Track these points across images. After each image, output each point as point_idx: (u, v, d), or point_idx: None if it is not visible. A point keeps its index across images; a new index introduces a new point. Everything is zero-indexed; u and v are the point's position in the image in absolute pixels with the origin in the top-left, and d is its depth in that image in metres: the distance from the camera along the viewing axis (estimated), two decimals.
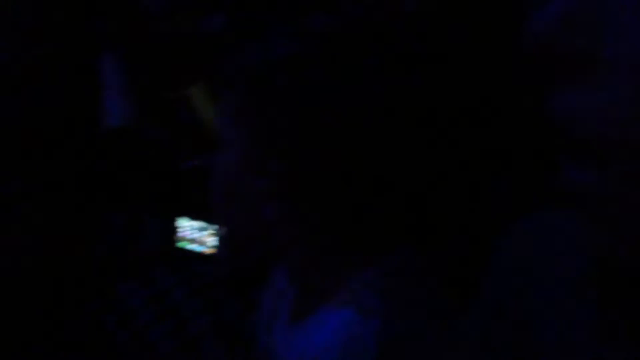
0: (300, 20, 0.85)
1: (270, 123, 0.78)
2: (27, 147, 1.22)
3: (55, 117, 1.24)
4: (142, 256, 1.29)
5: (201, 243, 1.24)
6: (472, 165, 0.87)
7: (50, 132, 1.20)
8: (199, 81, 1.39)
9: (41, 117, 1.26)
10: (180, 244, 1.25)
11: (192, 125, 1.62)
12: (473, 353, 0.77)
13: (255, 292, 1.13)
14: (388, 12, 1.05)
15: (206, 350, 1.15)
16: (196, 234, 1.25)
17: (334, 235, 0.82)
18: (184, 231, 1.26)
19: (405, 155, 0.75)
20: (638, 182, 0.33)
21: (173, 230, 1.36)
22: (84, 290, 1.23)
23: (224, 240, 0.97)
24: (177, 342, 1.17)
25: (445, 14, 1.00)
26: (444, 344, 0.75)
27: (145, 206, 1.39)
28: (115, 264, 1.27)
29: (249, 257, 1.10)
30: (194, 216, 1.26)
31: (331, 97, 0.76)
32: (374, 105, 0.74)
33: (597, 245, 0.70)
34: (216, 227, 1.11)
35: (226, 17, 1.33)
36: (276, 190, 0.79)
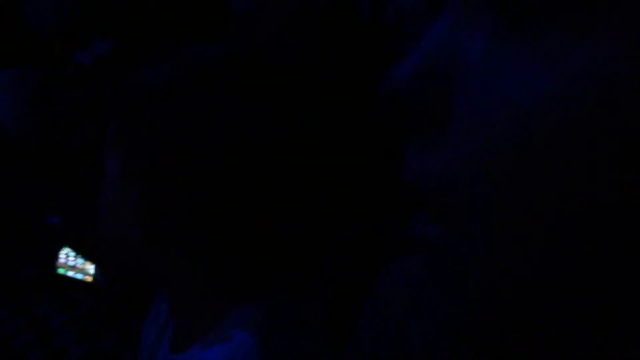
0: (188, 47, 0.84)
1: (141, 150, 0.76)
2: None
3: None
4: (19, 282, 1.25)
5: (81, 270, 1.21)
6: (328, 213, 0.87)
7: None
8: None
9: None
10: (60, 271, 1.22)
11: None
12: None
13: (135, 323, 1.11)
14: (279, 44, 1.08)
15: None
16: (76, 261, 1.22)
17: (209, 270, 0.80)
18: (64, 258, 1.23)
19: (267, 192, 0.74)
20: (473, 239, 0.34)
21: (53, 256, 1.33)
22: None
23: (100, 268, 0.95)
24: None
25: (324, 58, 1.02)
26: None
27: (23, 231, 1.36)
28: None
29: (122, 287, 1.08)
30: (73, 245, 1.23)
31: (201, 127, 0.74)
32: (240, 137, 0.74)
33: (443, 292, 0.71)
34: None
35: (114, 43, 1.32)
36: (145, 221, 0.77)
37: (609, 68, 0.29)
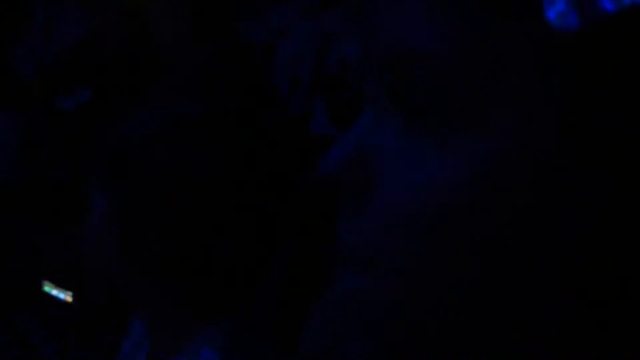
0: (163, 103, 1.01)
1: (121, 192, 0.95)
2: None
3: None
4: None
5: (64, 290, 1.36)
6: None
7: None
8: None
9: None
10: (45, 288, 1.36)
11: None
12: None
13: (109, 339, 1.27)
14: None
15: None
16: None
17: (177, 294, 0.97)
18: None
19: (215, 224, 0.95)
20: (388, 286, 0.44)
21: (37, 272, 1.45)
22: None
23: (76, 292, 1.11)
24: None
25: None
26: None
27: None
28: None
29: (98, 308, 1.24)
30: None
31: (172, 174, 0.94)
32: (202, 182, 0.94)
33: None
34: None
35: (92, 94, 1.47)
36: (122, 251, 0.95)
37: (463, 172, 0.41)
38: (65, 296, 1.34)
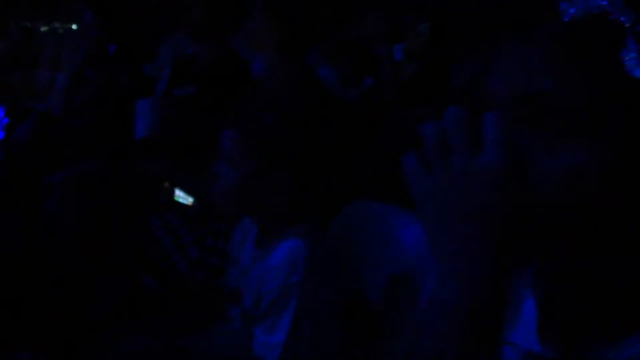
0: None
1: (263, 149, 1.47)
2: None
3: None
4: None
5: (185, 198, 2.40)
6: None
7: None
8: None
9: None
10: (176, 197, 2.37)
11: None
12: None
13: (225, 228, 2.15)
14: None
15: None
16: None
17: (289, 204, 1.50)
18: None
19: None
20: None
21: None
22: None
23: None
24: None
25: None
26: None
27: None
28: None
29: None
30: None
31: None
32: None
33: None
34: None
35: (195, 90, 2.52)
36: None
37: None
38: (188, 201, 2.37)
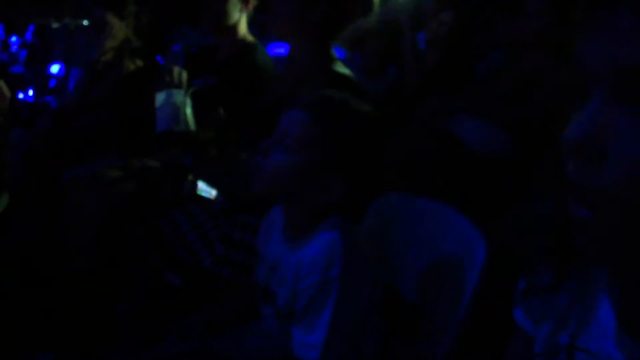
0: None
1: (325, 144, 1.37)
2: None
3: None
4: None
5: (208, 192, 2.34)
6: None
7: None
8: None
9: None
10: (199, 192, 2.31)
11: None
12: None
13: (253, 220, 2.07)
14: None
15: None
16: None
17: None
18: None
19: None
20: None
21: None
22: None
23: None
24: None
25: None
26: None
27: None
28: None
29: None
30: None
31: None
32: None
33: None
34: None
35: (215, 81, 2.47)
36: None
37: None
38: (211, 195, 2.31)
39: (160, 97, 2.30)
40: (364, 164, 1.41)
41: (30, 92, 5.01)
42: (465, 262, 1.50)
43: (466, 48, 3.51)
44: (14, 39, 7.82)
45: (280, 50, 3.72)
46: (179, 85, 2.30)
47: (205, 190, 2.31)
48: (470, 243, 1.49)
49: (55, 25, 7.09)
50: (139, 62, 3.21)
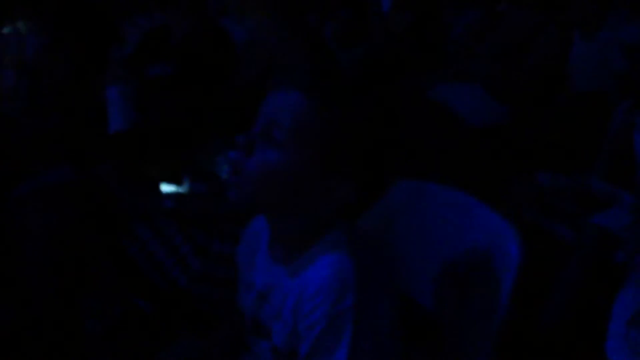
0: None
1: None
2: None
3: None
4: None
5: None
6: None
7: None
8: None
9: None
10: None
11: None
12: None
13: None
14: None
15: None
16: None
17: None
18: None
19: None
20: None
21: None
22: None
23: None
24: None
25: None
26: None
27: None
28: None
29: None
30: None
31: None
32: None
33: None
34: None
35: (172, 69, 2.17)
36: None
37: None
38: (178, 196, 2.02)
39: (111, 93, 2.01)
40: (374, 156, 1.11)
41: None
42: (495, 260, 1.25)
43: (437, 7, 3.34)
44: None
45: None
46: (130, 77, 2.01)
47: (171, 194, 2.03)
48: (501, 238, 1.24)
49: (6, 30, 6.66)
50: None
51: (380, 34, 3.13)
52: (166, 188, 1.99)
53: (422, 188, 1.46)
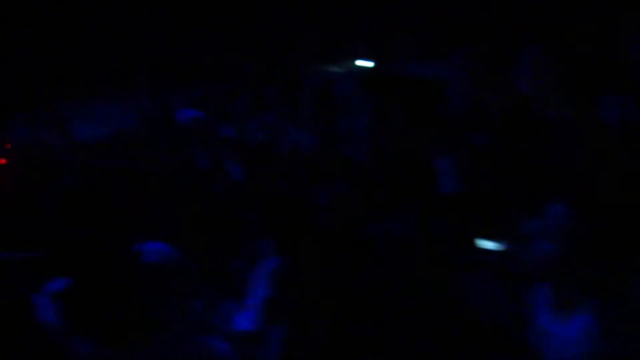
0: None
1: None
2: None
3: None
4: None
5: None
6: None
7: None
8: None
9: None
10: None
11: None
12: None
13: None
14: None
15: None
16: None
17: None
18: None
19: None
20: None
21: None
22: None
23: None
24: None
25: None
26: None
27: None
28: None
29: None
30: None
31: None
32: None
33: None
34: None
35: None
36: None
37: None
38: None
39: (442, 163, 2.51)
40: None
41: None
42: None
43: None
44: None
45: None
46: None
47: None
48: None
49: None
50: None
51: None
52: (486, 244, 2.44)
53: None
